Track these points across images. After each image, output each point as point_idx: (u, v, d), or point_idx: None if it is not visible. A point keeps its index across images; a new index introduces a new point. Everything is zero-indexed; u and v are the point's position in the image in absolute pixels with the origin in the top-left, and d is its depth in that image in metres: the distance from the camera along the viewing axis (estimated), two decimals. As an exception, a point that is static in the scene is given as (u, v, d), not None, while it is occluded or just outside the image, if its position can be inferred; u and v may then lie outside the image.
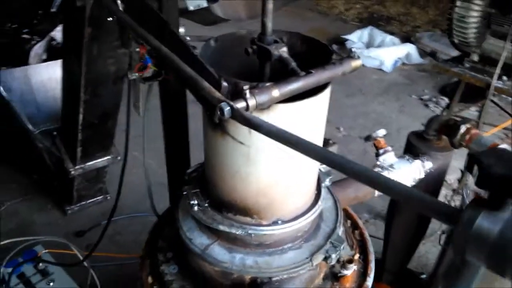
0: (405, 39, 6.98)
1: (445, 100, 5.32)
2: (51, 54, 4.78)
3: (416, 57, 6.32)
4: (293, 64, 1.18)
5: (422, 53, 6.48)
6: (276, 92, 1.07)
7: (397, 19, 7.96)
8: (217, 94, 1.05)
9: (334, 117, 4.90)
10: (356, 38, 6.60)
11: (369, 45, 6.59)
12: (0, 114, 3.51)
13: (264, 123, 0.95)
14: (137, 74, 1.38)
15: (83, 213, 3.59)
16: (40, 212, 3.59)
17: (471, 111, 4.88)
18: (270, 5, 1.17)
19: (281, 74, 1.19)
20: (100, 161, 3.21)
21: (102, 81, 2.44)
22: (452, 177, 3.94)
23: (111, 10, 1.43)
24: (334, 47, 6.55)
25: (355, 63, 1.22)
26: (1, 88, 3.39)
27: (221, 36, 1.37)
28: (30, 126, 3.33)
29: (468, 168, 0.73)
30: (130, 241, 3.36)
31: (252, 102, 1.03)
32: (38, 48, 4.94)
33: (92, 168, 3.22)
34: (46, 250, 2.84)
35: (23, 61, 4.61)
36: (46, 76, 3.61)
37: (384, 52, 6.21)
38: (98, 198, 3.63)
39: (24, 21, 5.10)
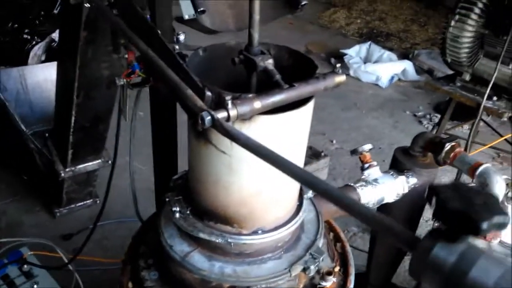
0: (403, 55, 7.04)
1: (438, 118, 5.36)
2: (51, 55, 4.81)
3: (412, 74, 6.37)
4: (277, 76, 1.20)
5: (419, 70, 6.54)
6: (258, 104, 1.09)
7: (396, 36, 8.03)
8: (200, 102, 1.06)
9: (328, 130, 4.94)
10: (354, 53, 6.66)
11: (366, 60, 6.65)
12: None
13: (242, 135, 0.96)
14: (124, 80, 1.40)
15: (72, 216, 3.58)
16: (29, 213, 3.58)
17: (464, 130, 4.92)
18: (256, 17, 1.19)
19: (267, 85, 1.21)
20: (90, 165, 3.22)
21: (95, 85, 2.46)
22: (441, 195, 3.96)
23: (104, 12, 1.44)
24: (332, 60, 6.60)
25: (339, 79, 1.24)
26: (-4, 87, 3.41)
27: (210, 46, 1.39)
28: (22, 126, 3.34)
29: (427, 198, 0.75)
30: (117, 246, 3.35)
31: (233, 112, 1.05)
32: (38, 49, 4.97)
33: (83, 171, 3.22)
34: (32, 252, 2.83)
35: (23, 61, 4.64)
36: (42, 77, 3.62)
37: (380, 67, 6.26)
38: (87, 201, 3.62)
39: (26, 22, 5.14)
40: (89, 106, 2.60)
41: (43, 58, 4.94)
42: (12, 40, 4.91)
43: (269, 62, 1.23)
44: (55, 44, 4.94)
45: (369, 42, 6.96)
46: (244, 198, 1.30)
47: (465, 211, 0.68)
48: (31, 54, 4.94)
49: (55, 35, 4.95)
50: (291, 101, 1.14)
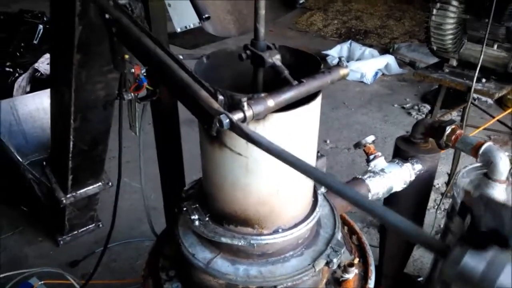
0: (384, 50, 7.15)
1: (427, 107, 5.44)
2: (35, 85, 4.78)
3: (395, 68, 6.47)
4: (286, 72, 1.21)
5: (401, 63, 6.64)
6: (271, 102, 1.11)
7: (374, 32, 8.15)
8: (216, 105, 1.07)
9: (321, 130, 4.86)
10: (336, 53, 6.74)
11: (349, 58, 6.73)
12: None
13: (264, 139, 0.97)
14: (132, 94, 1.41)
15: (76, 242, 3.55)
16: (32, 244, 3.54)
17: (453, 116, 5.00)
18: (262, 11, 1.20)
19: (273, 81, 1.22)
20: (91, 188, 3.19)
21: (92, 107, 2.45)
22: (439, 181, 4.01)
23: (105, 9, 1.41)
24: (316, 62, 6.66)
25: (343, 71, 1.27)
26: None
27: (213, 53, 1.41)
28: (18, 158, 3.31)
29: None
30: (125, 267, 3.34)
31: (249, 113, 1.07)
32: (22, 81, 4.94)
33: (84, 196, 3.19)
34: (42, 282, 2.81)
35: (7, 94, 4.61)
36: (33, 106, 3.60)
37: (364, 64, 6.35)
38: (90, 226, 3.59)
39: (6, 54, 5.12)
40: (87, 129, 2.59)
41: (28, 89, 4.91)
42: (-5, 74, 4.89)
43: (277, 58, 1.24)
44: (39, 74, 4.93)
45: (349, 41, 7.06)
46: (262, 198, 1.31)
47: (498, 229, 0.74)
48: (16, 86, 4.91)
49: (38, 65, 4.94)
50: (301, 97, 1.16)
